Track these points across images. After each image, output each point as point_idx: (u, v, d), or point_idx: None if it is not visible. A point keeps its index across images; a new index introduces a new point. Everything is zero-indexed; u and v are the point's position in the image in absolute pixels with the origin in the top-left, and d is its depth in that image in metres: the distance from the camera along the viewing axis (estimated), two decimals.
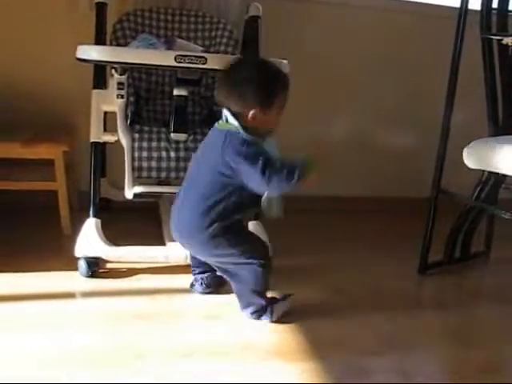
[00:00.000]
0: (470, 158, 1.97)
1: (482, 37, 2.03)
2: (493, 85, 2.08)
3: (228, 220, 1.55)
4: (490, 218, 2.36)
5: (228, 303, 1.73)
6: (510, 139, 2.01)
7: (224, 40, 2.20)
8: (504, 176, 2.07)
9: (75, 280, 1.81)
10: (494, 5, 2.04)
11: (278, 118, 1.59)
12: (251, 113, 1.53)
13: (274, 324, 1.63)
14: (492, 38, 2.02)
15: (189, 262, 1.86)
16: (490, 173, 2.07)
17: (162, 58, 1.70)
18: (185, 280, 1.85)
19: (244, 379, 1.36)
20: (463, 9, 1.97)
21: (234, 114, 1.54)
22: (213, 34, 2.24)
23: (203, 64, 1.66)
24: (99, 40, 1.95)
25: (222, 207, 1.53)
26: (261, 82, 1.54)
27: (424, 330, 1.73)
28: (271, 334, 1.59)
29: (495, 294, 2.06)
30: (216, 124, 1.61)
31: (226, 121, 1.56)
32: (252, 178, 1.49)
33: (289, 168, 1.48)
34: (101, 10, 1.99)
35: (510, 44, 1.68)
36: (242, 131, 1.52)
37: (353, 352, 1.53)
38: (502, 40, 1.80)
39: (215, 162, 1.53)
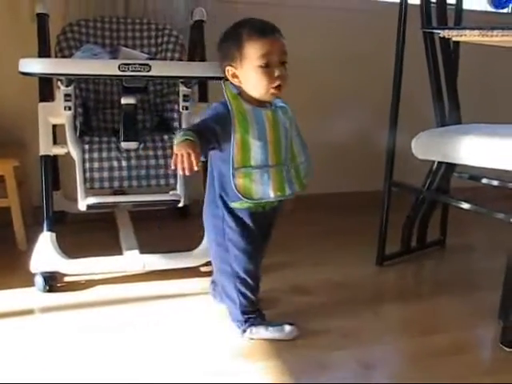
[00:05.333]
0: (419, 149, 2.02)
1: (422, 31, 2.07)
2: (437, 77, 2.13)
3: None
4: (443, 207, 2.41)
5: (188, 309, 1.75)
6: (456, 129, 2.07)
7: (170, 46, 2.19)
8: (454, 165, 2.12)
9: (33, 296, 1.79)
10: None
11: (264, 73, 1.42)
12: (226, 69, 1.47)
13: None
14: (433, 32, 2.07)
15: (147, 269, 1.87)
16: (440, 162, 2.12)
17: (106, 67, 1.69)
18: (144, 288, 1.86)
19: (209, 378, 1.37)
20: (403, 4, 2.01)
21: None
22: (159, 40, 2.23)
23: (148, 71, 1.66)
24: (42, 52, 1.94)
25: None
26: (226, 33, 1.48)
27: (385, 321, 1.76)
28: (233, 335, 1.59)
29: (453, 281, 2.10)
30: None
31: None
32: None
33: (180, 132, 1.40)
34: (42, 21, 1.98)
35: (447, 37, 1.72)
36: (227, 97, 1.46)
37: (313, 348, 1.55)
38: (439, 33, 1.84)
39: None
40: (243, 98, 1.47)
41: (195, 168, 1.31)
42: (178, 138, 1.35)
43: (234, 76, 1.46)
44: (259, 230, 1.56)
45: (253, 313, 1.58)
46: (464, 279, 2.11)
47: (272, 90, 1.45)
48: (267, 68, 1.42)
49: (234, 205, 1.51)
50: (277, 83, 1.44)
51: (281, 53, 1.44)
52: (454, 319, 1.78)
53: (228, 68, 1.46)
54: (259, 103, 1.48)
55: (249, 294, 1.57)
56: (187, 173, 1.31)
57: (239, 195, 1.46)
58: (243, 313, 1.57)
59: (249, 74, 1.44)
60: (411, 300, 1.92)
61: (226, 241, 1.54)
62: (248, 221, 1.53)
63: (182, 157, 1.31)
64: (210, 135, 1.41)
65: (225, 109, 1.44)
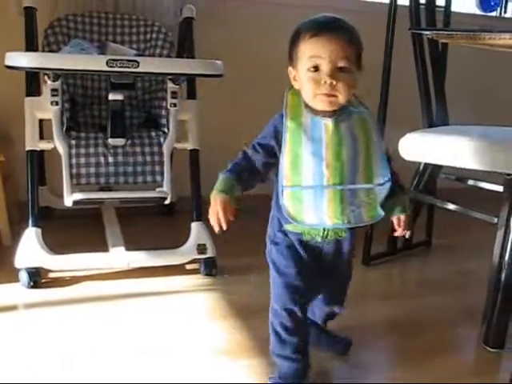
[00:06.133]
0: (405, 150, 2.02)
1: (411, 32, 2.08)
2: (425, 78, 2.14)
3: None
4: (429, 208, 2.42)
5: (172, 306, 1.74)
6: (443, 130, 2.07)
7: (159, 42, 2.19)
8: (440, 166, 2.13)
9: (17, 291, 1.78)
10: (423, 0, 2.10)
11: (311, 78, 1.21)
12: (289, 70, 1.29)
13: (219, 324, 1.64)
14: (422, 34, 2.08)
15: (132, 266, 1.86)
16: (426, 164, 2.13)
17: (94, 62, 1.68)
18: (129, 285, 1.85)
19: (192, 377, 1.36)
20: (392, 4, 2.01)
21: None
22: (147, 36, 2.23)
23: (135, 68, 1.65)
24: (30, 46, 1.92)
25: None
26: (295, 29, 1.28)
27: (370, 322, 1.75)
28: (217, 333, 1.59)
29: (438, 281, 2.12)
30: None
31: None
32: None
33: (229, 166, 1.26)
34: (30, 14, 1.96)
35: (435, 38, 1.73)
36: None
37: None
38: (427, 34, 1.85)
39: None
40: (306, 105, 1.26)
41: (224, 227, 1.19)
42: (215, 186, 1.22)
43: (295, 79, 1.27)
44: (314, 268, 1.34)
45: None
46: (449, 280, 2.13)
47: (321, 98, 1.21)
48: (315, 73, 1.20)
49: (287, 227, 1.32)
50: (324, 91, 1.21)
51: (336, 56, 1.20)
52: (439, 319, 1.79)
53: (290, 68, 1.28)
54: (322, 111, 1.25)
55: (283, 334, 1.32)
56: (216, 229, 1.20)
57: (288, 218, 1.25)
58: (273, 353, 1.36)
59: (300, 77, 1.24)
60: (396, 300, 1.93)
61: (269, 260, 1.38)
62: (300, 250, 1.33)
63: (215, 213, 1.19)
64: (267, 157, 1.27)
65: (281, 119, 1.27)
